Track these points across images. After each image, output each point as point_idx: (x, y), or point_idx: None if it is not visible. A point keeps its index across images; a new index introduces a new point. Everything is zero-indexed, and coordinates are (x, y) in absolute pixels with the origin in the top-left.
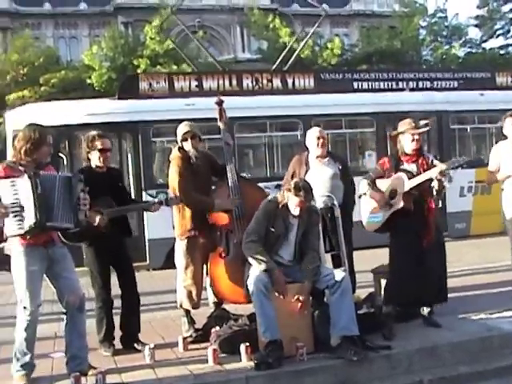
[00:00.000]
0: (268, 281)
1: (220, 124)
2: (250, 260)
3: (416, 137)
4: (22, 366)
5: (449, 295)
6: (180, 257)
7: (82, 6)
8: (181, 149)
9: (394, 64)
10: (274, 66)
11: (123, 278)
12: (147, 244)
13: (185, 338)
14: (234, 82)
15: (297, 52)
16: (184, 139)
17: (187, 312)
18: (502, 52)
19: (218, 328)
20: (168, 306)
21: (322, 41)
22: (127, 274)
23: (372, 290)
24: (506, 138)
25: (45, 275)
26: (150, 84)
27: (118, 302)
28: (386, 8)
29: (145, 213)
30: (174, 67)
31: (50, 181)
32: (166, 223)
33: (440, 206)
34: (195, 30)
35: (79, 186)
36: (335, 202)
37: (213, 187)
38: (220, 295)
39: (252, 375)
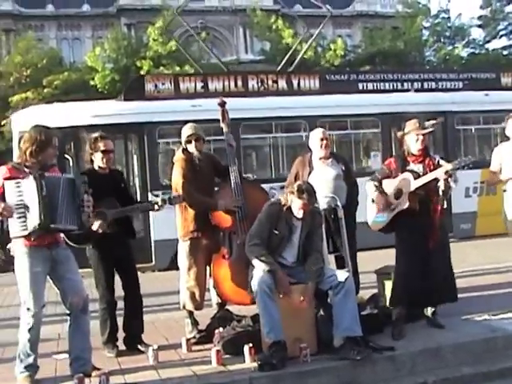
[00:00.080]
0: (272, 282)
1: (223, 125)
2: (254, 262)
3: (421, 137)
4: (25, 367)
5: None
6: (183, 258)
7: (85, 7)
8: (185, 150)
9: (397, 65)
10: (279, 67)
11: (126, 280)
12: (153, 245)
13: (188, 339)
14: (240, 83)
15: (302, 53)
16: (188, 141)
17: (190, 313)
18: (505, 53)
19: (221, 329)
20: (172, 308)
21: (324, 42)
22: (130, 275)
23: (375, 290)
24: (508, 139)
25: (48, 277)
26: (156, 85)
27: (121, 304)
28: (388, 9)
29: (150, 214)
30: (177, 68)
31: (54, 182)
32: (172, 224)
33: (445, 206)
34: (198, 31)
35: (83, 187)
36: (338, 203)
37: (216, 188)
38: (223, 296)
39: (256, 376)
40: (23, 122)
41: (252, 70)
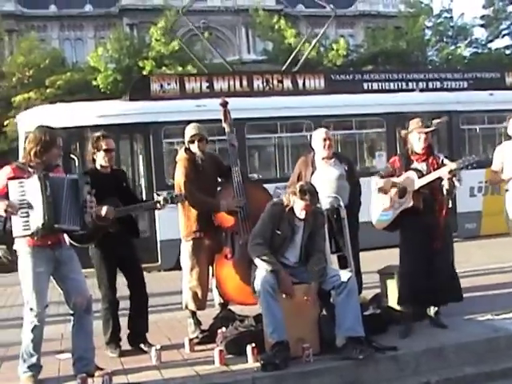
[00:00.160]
0: (274, 282)
1: (225, 125)
2: (256, 262)
3: (423, 135)
4: (28, 367)
5: None
6: (185, 258)
7: (88, 7)
8: (187, 150)
9: (400, 65)
10: (284, 67)
11: (131, 279)
12: (159, 245)
13: (191, 340)
14: (245, 82)
15: (307, 52)
16: (191, 141)
17: (193, 313)
18: (507, 52)
19: (224, 329)
20: (175, 308)
21: (327, 42)
22: (135, 274)
23: (378, 290)
24: (510, 138)
25: (51, 277)
26: (161, 85)
27: (124, 303)
28: (391, 8)
29: (156, 214)
30: (180, 69)
31: (58, 183)
32: (178, 224)
33: (450, 205)
34: (200, 31)
35: (86, 188)
36: (341, 203)
37: (218, 189)
38: (226, 296)
39: (258, 376)
40: (29, 122)
41: (257, 70)
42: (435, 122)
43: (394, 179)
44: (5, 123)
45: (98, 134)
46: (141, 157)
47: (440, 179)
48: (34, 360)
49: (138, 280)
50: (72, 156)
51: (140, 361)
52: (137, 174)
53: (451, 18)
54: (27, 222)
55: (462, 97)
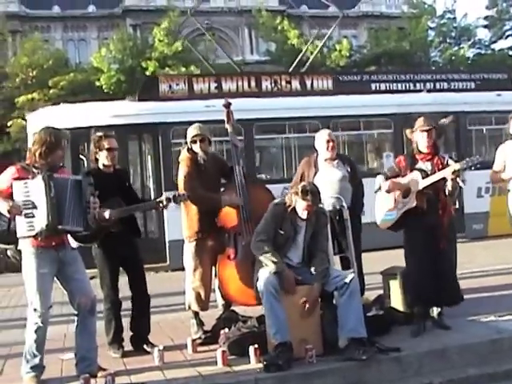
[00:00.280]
0: (277, 282)
1: (227, 126)
2: (261, 258)
3: (425, 133)
4: (31, 367)
5: None
6: (188, 259)
7: (91, 8)
8: (190, 150)
9: (403, 65)
10: (291, 68)
11: (133, 280)
12: (167, 245)
13: (194, 340)
14: (253, 83)
15: (315, 53)
16: (193, 141)
17: (196, 314)
18: (511, 53)
19: (226, 330)
20: (179, 308)
21: (330, 42)
22: (137, 275)
23: (381, 292)
24: (511, 137)
25: (55, 278)
26: (170, 86)
27: (126, 304)
28: (394, 9)
29: (165, 214)
30: (183, 69)
31: (62, 184)
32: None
33: (457, 206)
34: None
35: (89, 189)
36: (344, 204)
37: (222, 189)
38: (228, 297)
39: (261, 377)
40: (38, 122)
41: (266, 71)
42: (441, 121)
43: (399, 179)
44: (8, 124)
45: (99, 133)
46: (149, 157)
47: (444, 180)
48: (37, 361)
49: (140, 280)
50: (81, 156)
51: (143, 361)
52: (145, 174)
53: (454, 18)
54: (31, 222)
55: (470, 97)
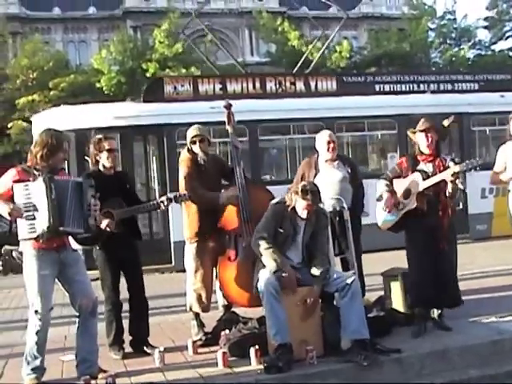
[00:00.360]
0: (278, 283)
1: (228, 127)
2: (262, 253)
3: (424, 133)
4: (32, 369)
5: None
6: (189, 260)
7: (91, 10)
8: (189, 151)
9: (403, 66)
10: (295, 70)
11: (131, 283)
12: (172, 246)
13: (194, 342)
14: (258, 84)
15: (319, 54)
16: (193, 142)
17: (197, 315)
18: (511, 54)
19: (227, 331)
20: (180, 310)
21: (330, 44)
22: (135, 278)
23: (382, 293)
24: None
25: (57, 280)
26: (175, 87)
27: (127, 305)
28: (394, 10)
29: (170, 215)
30: (183, 71)
31: (63, 186)
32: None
33: (460, 207)
34: (204, 33)
35: (90, 191)
36: (344, 205)
37: (222, 191)
38: (229, 298)
39: (262, 378)
40: (44, 123)
41: (270, 72)
42: (444, 122)
43: (400, 180)
44: (9, 125)
45: (99, 135)
46: (155, 158)
47: (445, 181)
48: (37, 362)
49: (137, 283)
50: (86, 158)
51: (143, 363)
52: (151, 176)
53: (454, 19)
54: (33, 224)
55: (473, 99)
